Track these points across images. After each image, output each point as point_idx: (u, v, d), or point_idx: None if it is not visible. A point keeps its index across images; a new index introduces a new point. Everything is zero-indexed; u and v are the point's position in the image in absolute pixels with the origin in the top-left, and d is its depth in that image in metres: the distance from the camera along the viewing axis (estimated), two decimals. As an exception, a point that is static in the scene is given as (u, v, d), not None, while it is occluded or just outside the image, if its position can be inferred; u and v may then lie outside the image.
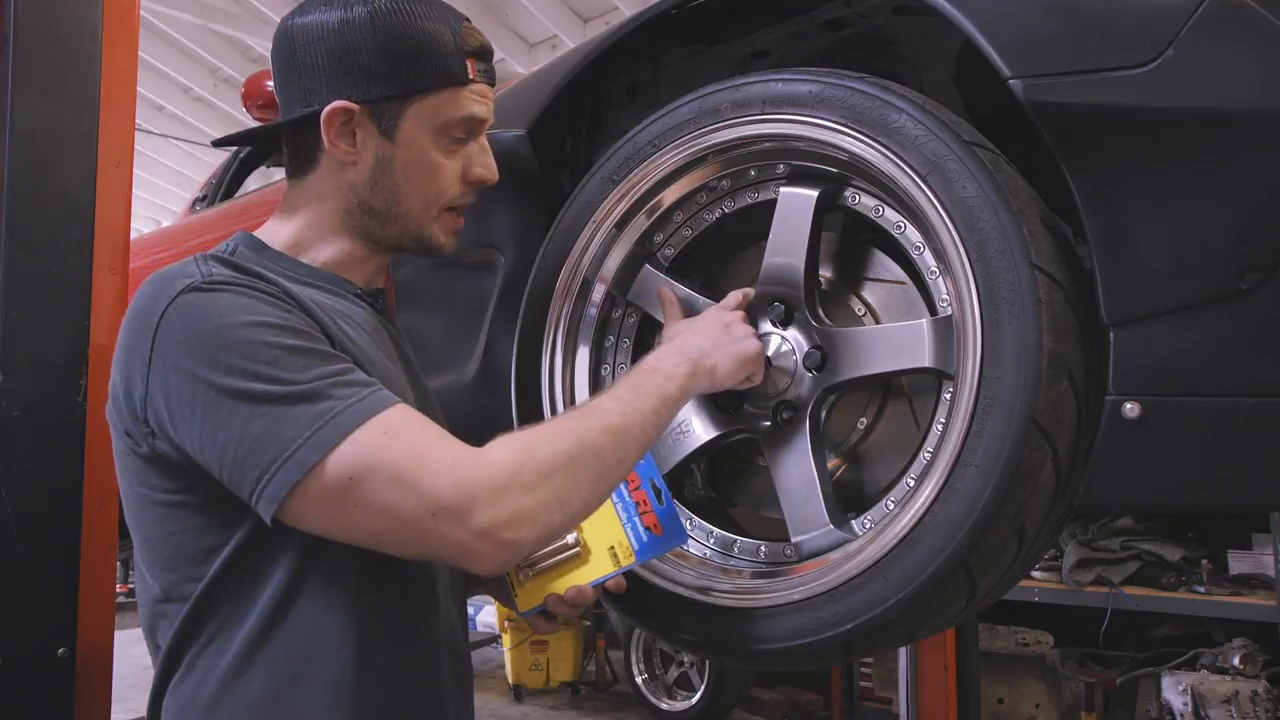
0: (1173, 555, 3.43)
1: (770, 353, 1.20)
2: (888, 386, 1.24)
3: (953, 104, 1.27)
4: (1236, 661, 3.14)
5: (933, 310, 1.15)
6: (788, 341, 1.20)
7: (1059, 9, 1.03)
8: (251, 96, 2.37)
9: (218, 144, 1.36)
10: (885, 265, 1.25)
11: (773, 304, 1.22)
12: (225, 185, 3.14)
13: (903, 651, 2.99)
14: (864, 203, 1.20)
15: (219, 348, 0.90)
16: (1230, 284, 0.96)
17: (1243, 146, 0.96)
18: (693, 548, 1.27)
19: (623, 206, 1.30)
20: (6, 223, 1.22)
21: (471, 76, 1.09)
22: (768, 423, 1.21)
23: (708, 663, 4.35)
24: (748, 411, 1.23)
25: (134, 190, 1.42)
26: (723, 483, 1.37)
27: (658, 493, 1.11)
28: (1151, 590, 3.40)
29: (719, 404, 1.24)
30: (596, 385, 1.36)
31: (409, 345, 1.23)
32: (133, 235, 1.41)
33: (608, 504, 1.11)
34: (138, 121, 1.39)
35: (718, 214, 1.33)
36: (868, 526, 1.15)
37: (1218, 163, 0.96)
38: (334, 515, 0.90)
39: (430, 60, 1.06)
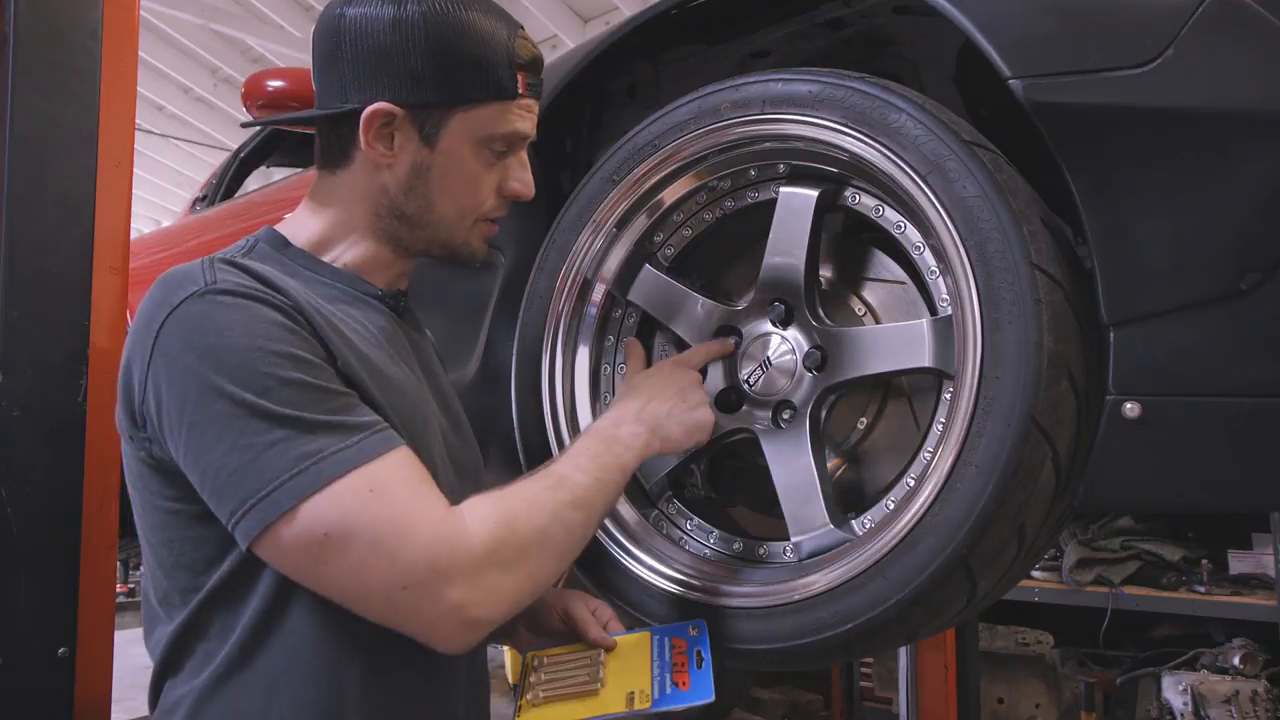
0: (1173, 555, 3.42)
1: (770, 353, 1.21)
2: (888, 386, 1.24)
3: (953, 104, 1.27)
4: (1236, 661, 3.13)
5: (933, 310, 1.15)
6: (787, 341, 1.20)
7: (1059, 9, 1.03)
8: (251, 96, 2.37)
9: (247, 125, 1.35)
10: (885, 265, 1.25)
11: (773, 304, 1.22)
12: (225, 185, 3.13)
13: (903, 651, 2.98)
14: (864, 202, 1.20)
15: (212, 367, 0.87)
16: (1230, 284, 0.96)
17: (1243, 146, 0.95)
18: (692, 548, 1.27)
19: (623, 206, 1.30)
20: (6, 223, 1.22)
21: (521, 91, 1.06)
22: (768, 423, 1.21)
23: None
24: (748, 411, 1.23)
25: (134, 190, 1.42)
26: (723, 483, 1.37)
27: (699, 659, 1.06)
28: (1151, 590, 3.40)
29: (719, 404, 1.24)
30: (596, 385, 1.36)
31: (432, 347, 1.22)
32: (133, 235, 1.41)
33: (644, 649, 1.09)
34: (138, 121, 1.38)
35: (718, 214, 1.33)
36: (868, 526, 1.15)
37: (1218, 162, 0.96)
38: (304, 565, 0.88)
39: (480, 70, 1.03)
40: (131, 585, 7.71)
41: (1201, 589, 3.30)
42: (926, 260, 1.14)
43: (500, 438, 1.37)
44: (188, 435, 0.88)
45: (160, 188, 11.32)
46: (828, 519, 1.14)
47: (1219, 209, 0.96)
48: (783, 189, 1.22)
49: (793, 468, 1.18)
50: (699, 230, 1.34)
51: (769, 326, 1.22)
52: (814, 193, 1.19)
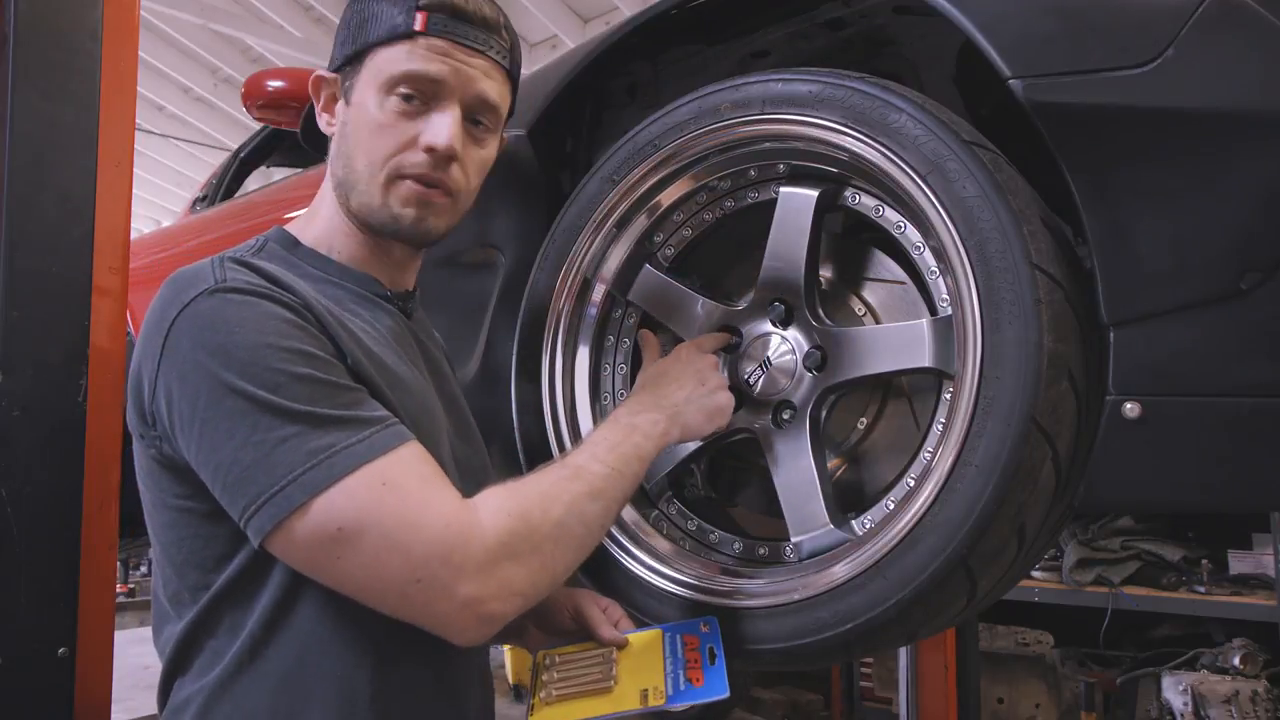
0: (1173, 555, 3.43)
1: (770, 353, 1.21)
2: (888, 386, 1.24)
3: (953, 104, 1.27)
4: (1236, 661, 3.13)
5: (933, 310, 1.15)
6: (788, 341, 1.20)
7: (1059, 9, 1.03)
8: (252, 96, 2.37)
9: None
10: (885, 265, 1.25)
11: (773, 304, 1.22)
12: (225, 185, 3.13)
13: (903, 651, 2.99)
14: (864, 203, 1.20)
15: (222, 364, 0.87)
16: (1230, 284, 0.96)
17: (1243, 146, 0.95)
18: (692, 548, 1.27)
19: (623, 206, 1.30)
20: (6, 223, 1.22)
21: (419, 28, 1.02)
22: (768, 423, 1.21)
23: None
24: (748, 412, 1.23)
25: (134, 190, 1.42)
26: (723, 483, 1.37)
27: (712, 655, 1.06)
28: (1151, 590, 3.40)
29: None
30: (596, 385, 1.36)
31: (440, 348, 1.21)
32: (133, 235, 1.41)
33: (656, 647, 1.08)
34: (138, 121, 1.38)
35: (718, 214, 1.33)
36: (868, 526, 1.15)
37: (1218, 162, 0.96)
38: (317, 560, 0.88)
39: (379, 16, 1.03)
40: (132, 585, 7.71)
41: (1201, 589, 3.30)
42: (926, 260, 1.14)
43: (500, 438, 1.37)
44: (199, 432, 0.88)
45: (160, 188, 11.32)
46: (828, 519, 1.14)
47: (1219, 209, 0.96)
48: (783, 189, 1.22)
49: (793, 468, 1.18)
50: (699, 230, 1.34)
51: (769, 326, 1.22)
52: (814, 193, 1.19)
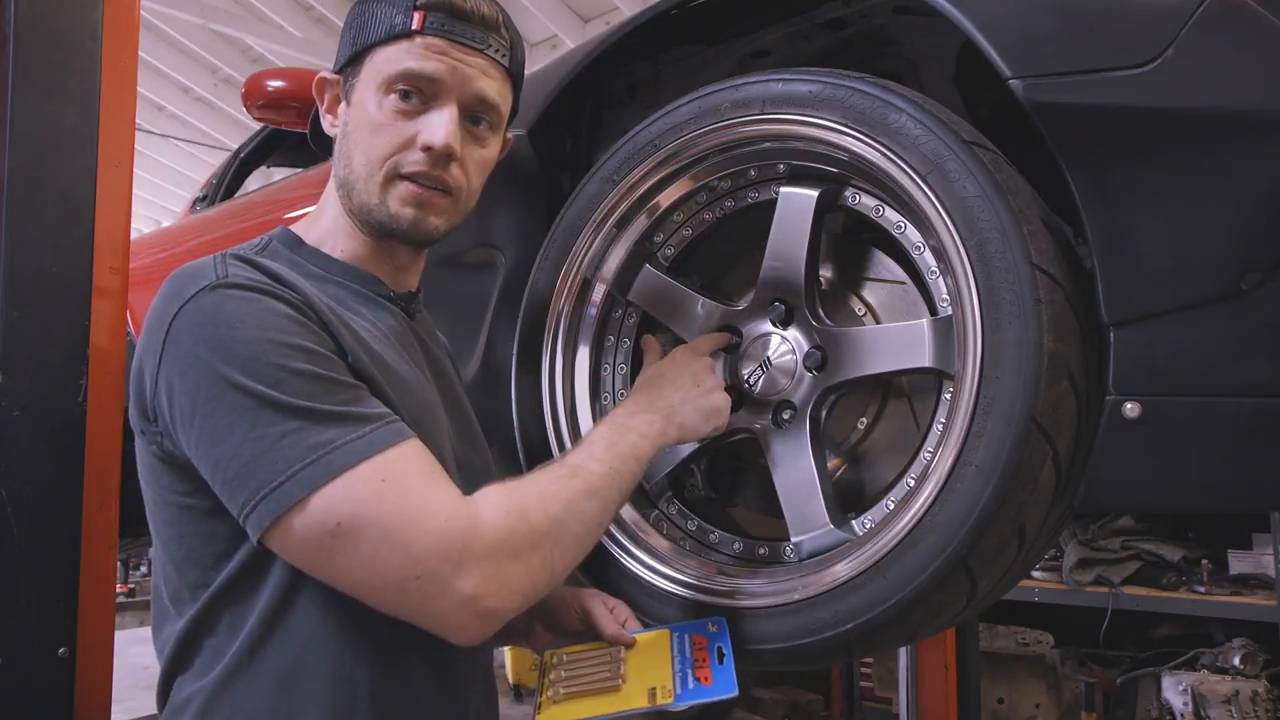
0: (1173, 555, 3.43)
1: (770, 353, 1.21)
2: (888, 386, 1.24)
3: (953, 104, 1.27)
4: (1237, 661, 3.13)
5: (933, 310, 1.15)
6: (788, 341, 1.20)
7: (1059, 9, 1.03)
8: (252, 96, 2.37)
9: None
10: (885, 265, 1.25)
11: (773, 304, 1.22)
12: (225, 185, 3.13)
13: (903, 651, 2.99)
14: (864, 203, 1.20)
15: (223, 359, 0.87)
16: (1230, 284, 0.96)
17: (1243, 146, 0.95)
18: (692, 548, 1.27)
19: (623, 206, 1.30)
20: (6, 223, 1.22)
21: (416, 27, 1.02)
22: (768, 423, 1.21)
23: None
24: (748, 412, 1.23)
25: (134, 190, 1.42)
26: (723, 483, 1.37)
27: (720, 655, 1.06)
28: (1151, 590, 3.40)
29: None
30: (596, 385, 1.36)
31: (444, 349, 1.21)
32: (133, 235, 1.41)
33: (663, 646, 1.08)
34: (138, 121, 1.38)
35: (718, 214, 1.33)
36: (868, 526, 1.15)
37: (1218, 163, 0.96)
38: (316, 556, 0.88)
39: (379, 17, 1.04)
40: (132, 585, 7.71)
41: (1201, 589, 3.30)
42: (926, 260, 1.14)
43: (500, 438, 1.37)
44: (200, 427, 0.88)
45: (160, 188, 11.32)
46: (828, 519, 1.14)
47: (1219, 209, 0.96)
48: (783, 189, 1.22)
49: (793, 468, 1.18)
50: (699, 230, 1.34)
51: (769, 326, 1.22)
52: (814, 193, 1.19)
